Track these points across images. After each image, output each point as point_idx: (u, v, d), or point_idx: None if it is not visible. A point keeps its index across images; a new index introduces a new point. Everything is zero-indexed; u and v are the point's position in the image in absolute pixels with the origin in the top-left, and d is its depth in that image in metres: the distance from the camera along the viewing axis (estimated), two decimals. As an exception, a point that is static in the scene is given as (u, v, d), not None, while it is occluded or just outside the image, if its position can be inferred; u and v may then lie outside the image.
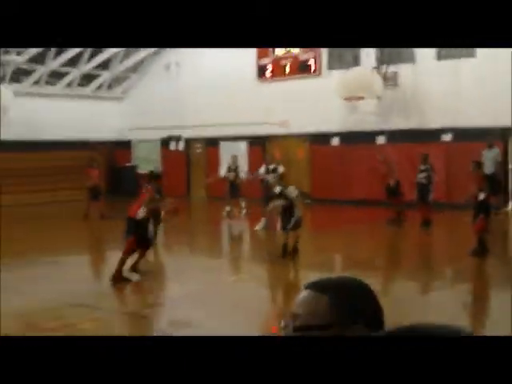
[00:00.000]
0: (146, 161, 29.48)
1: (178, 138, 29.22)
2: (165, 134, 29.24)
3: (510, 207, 21.57)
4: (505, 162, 21.30)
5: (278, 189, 13.81)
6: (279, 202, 13.67)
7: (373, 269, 13.37)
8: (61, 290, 11.03)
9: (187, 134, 28.62)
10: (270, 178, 18.06)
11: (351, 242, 16.50)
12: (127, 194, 23.50)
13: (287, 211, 13.56)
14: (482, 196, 13.54)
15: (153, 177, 12.98)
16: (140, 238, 11.90)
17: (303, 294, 1.88)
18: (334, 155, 24.09)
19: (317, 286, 1.90)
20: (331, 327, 1.79)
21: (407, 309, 9.78)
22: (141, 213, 11.94)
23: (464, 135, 21.44)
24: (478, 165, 14.40)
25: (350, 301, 1.85)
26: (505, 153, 21.31)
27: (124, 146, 30.86)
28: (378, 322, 1.84)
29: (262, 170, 19.15)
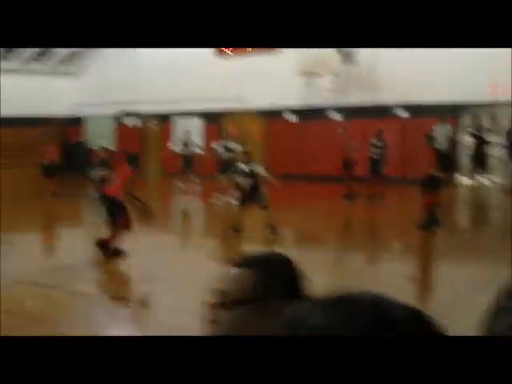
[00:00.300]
0: (100, 137, 29.19)
1: (133, 114, 28.98)
2: (120, 109, 28.99)
3: (460, 181, 21.88)
4: (456, 138, 21.54)
5: (244, 166, 13.80)
6: (246, 180, 13.67)
7: (325, 242, 13.47)
8: (12, 268, 10.90)
9: (143, 109, 28.40)
10: (226, 155, 18.06)
11: (306, 217, 16.57)
12: (79, 171, 23.34)
13: (253, 189, 13.59)
14: (433, 171, 13.68)
15: (132, 158, 12.78)
16: (119, 218, 11.80)
17: (230, 271, 1.93)
18: (289, 131, 24.09)
19: (243, 263, 1.95)
20: (256, 301, 1.85)
21: (357, 281, 9.86)
22: (121, 193, 11.81)
23: (418, 111, 21.61)
24: (431, 138, 14.48)
25: (276, 275, 1.90)
26: (456, 129, 21.54)
27: (77, 121, 30.57)
28: (301, 295, 1.90)
29: (219, 146, 19.09)
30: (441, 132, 20.19)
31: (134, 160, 12.53)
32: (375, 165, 18.36)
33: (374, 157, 18.40)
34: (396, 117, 22.42)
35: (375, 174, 18.33)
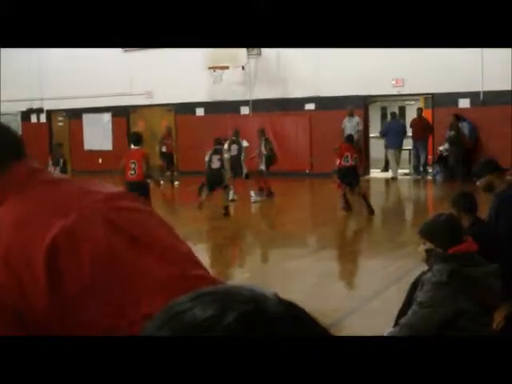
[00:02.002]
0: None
1: (39, 111, 28.21)
2: (25, 106, 28.16)
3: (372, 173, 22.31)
4: (365, 130, 21.91)
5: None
6: None
7: (239, 239, 13.47)
8: None
9: (49, 106, 27.69)
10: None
11: (214, 213, 16.58)
12: None
13: None
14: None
15: (136, 136, 12.88)
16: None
17: None
18: (199, 125, 23.93)
19: None
20: None
21: (274, 277, 9.88)
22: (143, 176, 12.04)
23: (326, 104, 21.85)
24: (349, 138, 14.90)
25: None
26: (365, 121, 21.90)
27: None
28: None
29: None
30: (349, 125, 20.50)
31: (139, 138, 12.64)
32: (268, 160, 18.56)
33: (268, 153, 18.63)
34: (304, 109, 22.61)
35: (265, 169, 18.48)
